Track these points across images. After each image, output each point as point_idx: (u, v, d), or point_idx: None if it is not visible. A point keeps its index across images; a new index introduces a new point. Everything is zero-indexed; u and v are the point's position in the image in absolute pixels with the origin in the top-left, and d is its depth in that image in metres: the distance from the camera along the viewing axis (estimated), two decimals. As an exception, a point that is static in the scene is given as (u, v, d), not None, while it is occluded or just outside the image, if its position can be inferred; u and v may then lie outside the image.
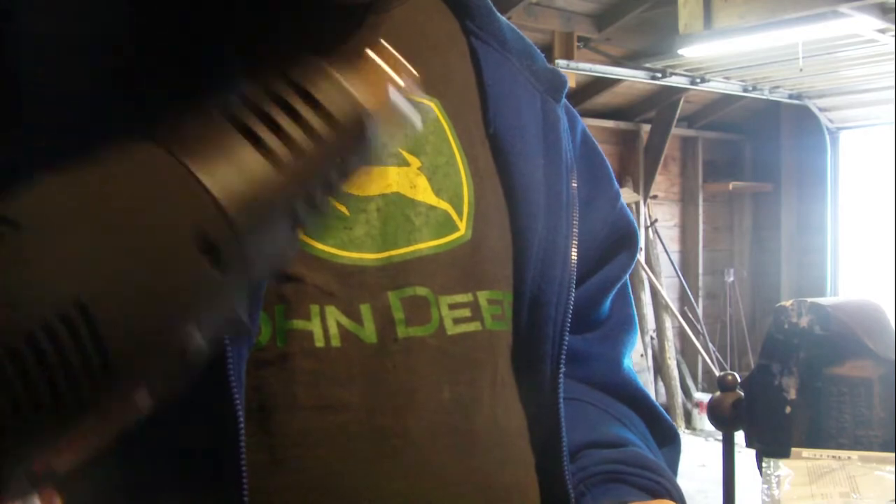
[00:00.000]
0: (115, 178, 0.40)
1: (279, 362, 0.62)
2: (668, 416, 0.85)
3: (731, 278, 7.21)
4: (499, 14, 0.80)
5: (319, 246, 0.64)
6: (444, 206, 0.69)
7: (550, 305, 0.72)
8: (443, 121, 0.72)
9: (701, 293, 7.10)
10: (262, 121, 0.42)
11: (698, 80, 5.77)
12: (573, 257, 0.74)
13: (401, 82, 0.47)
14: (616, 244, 0.85)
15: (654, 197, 6.80)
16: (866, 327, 1.58)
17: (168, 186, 0.38)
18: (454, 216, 0.70)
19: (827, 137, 7.02)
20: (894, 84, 4.98)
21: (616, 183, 0.87)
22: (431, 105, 0.72)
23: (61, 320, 0.34)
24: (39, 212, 0.38)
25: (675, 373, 6.61)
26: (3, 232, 0.36)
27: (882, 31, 4.44)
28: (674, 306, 6.69)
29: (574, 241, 0.75)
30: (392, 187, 0.68)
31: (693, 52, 4.99)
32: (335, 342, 0.63)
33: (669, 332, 6.66)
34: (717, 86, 5.99)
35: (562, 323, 0.73)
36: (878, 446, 1.45)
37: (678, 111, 6.40)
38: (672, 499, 0.72)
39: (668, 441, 0.84)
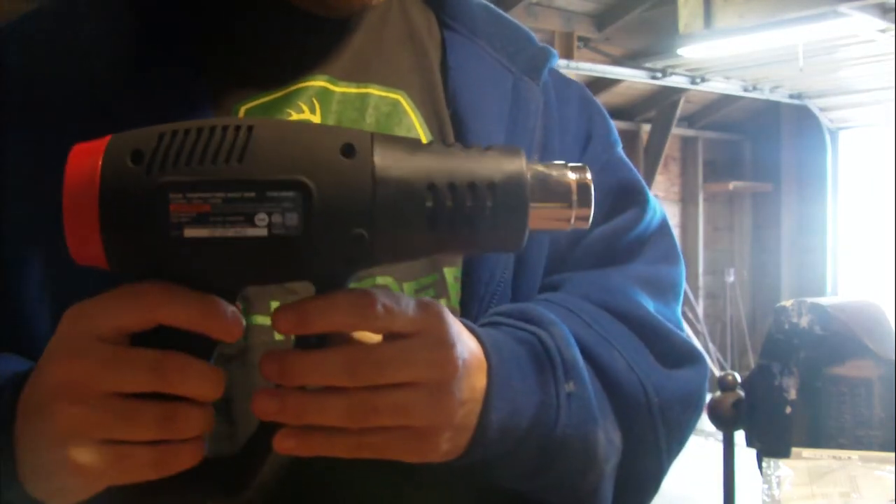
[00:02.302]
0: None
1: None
2: (684, 336, 0.75)
3: (731, 278, 7.22)
4: (471, 1, 0.81)
5: None
6: None
7: (480, 283, 0.71)
8: (409, 111, 0.73)
9: (701, 293, 7.10)
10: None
11: (698, 80, 5.77)
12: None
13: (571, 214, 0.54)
14: (617, 203, 0.80)
15: (655, 197, 6.80)
16: (866, 327, 1.58)
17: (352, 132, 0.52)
18: None
19: (827, 137, 7.03)
20: (894, 84, 4.99)
21: (619, 147, 0.83)
22: (397, 97, 0.73)
23: (234, 128, 0.51)
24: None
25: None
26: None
27: (882, 31, 4.44)
28: (674, 306, 6.69)
29: None
30: None
31: (693, 51, 4.99)
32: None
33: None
34: (717, 86, 5.99)
35: (488, 302, 0.70)
36: (878, 446, 1.45)
37: (678, 111, 6.40)
38: (543, 345, 0.63)
39: (683, 362, 0.73)
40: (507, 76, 0.78)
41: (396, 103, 0.73)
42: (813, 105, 6.71)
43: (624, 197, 0.80)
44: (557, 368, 0.62)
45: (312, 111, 0.69)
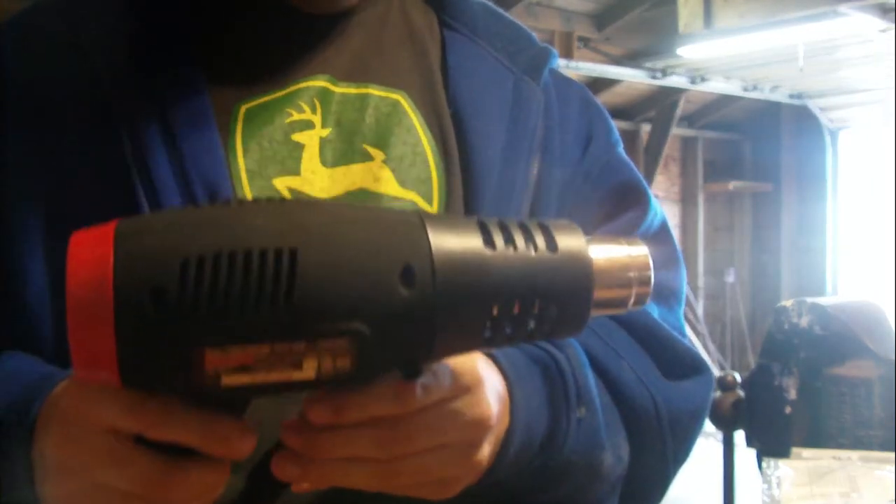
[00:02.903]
0: (369, 207, 0.51)
1: None
2: (690, 346, 0.76)
3: (731, 278, 7.21)
4: (471, 1, 0.80)
5: None
6: (411, 195, 0.70)
7: None
8: (409, 111, 0.73)
9: (701, 293, 7.10)
10: (499, 226, 0.48)
11: (698, 80, 5.77)
12: None
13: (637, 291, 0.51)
14: (619, 203, 0.80)
15: (655, 197, 6.80)
16: (866, 327, 1.58)
17: (403, 224, 0.46)
18: (423, 205, 0.70)
19: (827, 137, 7.02)
20: (894, 84, 4.99)
21: (620, 147, 0.84)
22: (397, 97, 0.72)
23: (274, 253, 0.43)
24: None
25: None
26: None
27: (882, 31, 4.44)
28: (674, 306, 6.69)
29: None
30: (356, 184, 0.68)
31: (693, 51, 4.99)
32: None
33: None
34: (717, 86, 5.99)
35: None
36: (878, 446, 1.45)
37: (678, 111, 6.40)
38: (559, 369, 0.63)
39: (690, 373, 0.74)
40: (507, 76, 0.77)
41: (396, 103, 0.72)
42: (813, 105, 6.71)
43: (625, 197, 0.80)
44: (570, 394, 0.61)
45: (313, 111, 0.69)
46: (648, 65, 5.46)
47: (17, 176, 0.65)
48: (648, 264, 0.52)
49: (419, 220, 0.46)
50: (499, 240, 0.47)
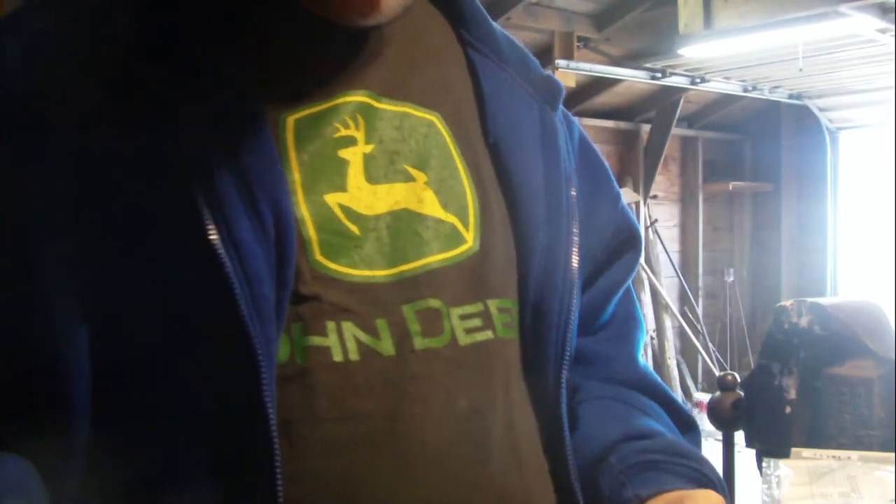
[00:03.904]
0: None
1: (299, 378, 0.63)
2: (685, 406, 0.87)
3: (731, 278, 7.21)
4: (493, 23, 0.80)
5: (331, 265, 0.65)
6: (451, 218, 0.71)
7: (553, 312, 0.74)
8: (444, 134, 0.73)
9: (701, 293, 7.10)
10: None
11: (698, 80, 5.77)
12: (574, 265, 0.75)
13: None
14: (619, 247, 0.86)
15: (654, 197, 6.80)
16: (866, 327, 1.58)
17: None
18: (461, 228, 0.71)
19: (827, 137, 7.02)
20: (894, 84, 4.98)
21: (616, 184, 0.89)
22: (433, 119, 0.73)
23: None
24: None
25: (675, 373, 6.61)
26: None
27: (882, 31, 4.44)
28: (674, 306, 6.69)
29: (574, 249, 0.76)
30: (400, 203, 0.69)
31: (693, 52, 4.99)
32: (353, 356, 0.64)
33: (669, 332, 6.65)
34: (717, 86, 5.99)
35: (564, 329, 0.74)
36: (878, 446, 1.45)
37: (678, 111, 6.40)
38: (714, 488, 0.71)
39: (688, 429, 0.85)
40: (533, 104, 0.79)
41: (432, 124, 0.73)
42: (813, 105, 6.71)
43: (622, 245, 0.86)
44: (724, 495, 0.71)
45: (357, 127, 0.69)
46: (648, 65, 5.45)
47: (66, 197, 0.62)
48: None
49: None
50: None
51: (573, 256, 0.75)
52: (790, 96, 6.53)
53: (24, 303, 0.61)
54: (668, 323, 6.64)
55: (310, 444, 0.63)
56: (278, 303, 0.62)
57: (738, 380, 1.82)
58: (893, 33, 4.38)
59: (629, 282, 0.88)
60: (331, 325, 0.64)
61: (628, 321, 0.88)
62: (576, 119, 0.88)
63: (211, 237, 0.60)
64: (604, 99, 6.21)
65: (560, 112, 0.82)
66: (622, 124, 6.59)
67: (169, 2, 0.67)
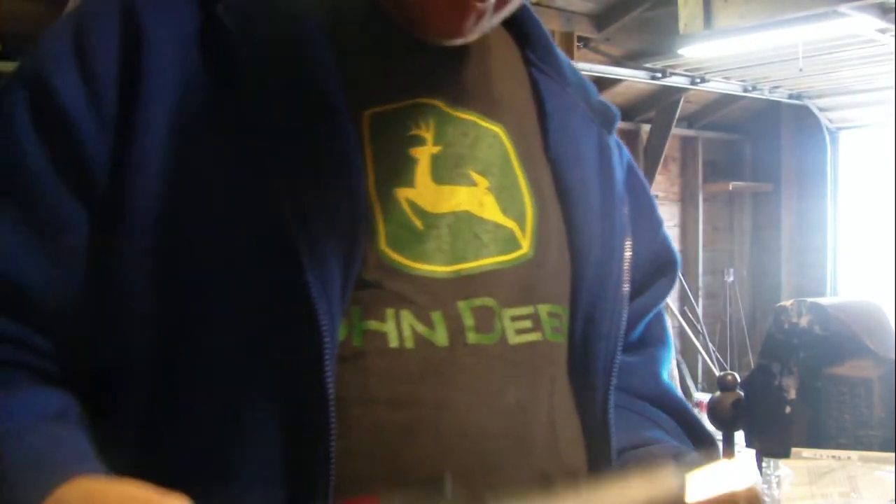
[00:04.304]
0: None
1: (354, 359, 0.66)
2: (704, 426, 0.89)
3: (731, 278, 7.21)
4: (557, 48, 0.85)
5: (395, 256, 0.69)
6: (510, 224, 0.74)
7: (604, 322, 0.77)
8: (508, 145, 0.77)
9: (701, 293, 7.09)
10: None
11: (698, 80, 5.77)
12: (626, 279, 0.79)
13: None
14: (656, 272, 0.89)
15: (655, 197, 6.79)
16: (866, 327, 1.58)
17: None
18: (518, 234, 0.74)
19: (827, 137, 7.02)
20: (894, 84, 4.98)
21: (658, 211, 0.92)
22: (497, 130, 0.76)
23: None
24: None
25: (675, 372, 6.61)
26: None
27: (882, 31, 4.44)
28: (674, 306, 6.68)
29: (626, 266, 0.80)
30: (462, 206, 0.73)
31: (693, 52, 4.99)
32: (409, 344, 0.67)
33: (669, 332, 6.65)
34: (717, 86, 5.99)
35: (614, 340, 0.78)
36: (878, 446, 1.45)
37: (678, 111, 6.40)
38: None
39: (705, 448, 0.87)
40: (592, 126, 0.83)
41: (496, 135, 0.76)
42: (813, 105, 6.71)
43: (659, 269, 0.90)
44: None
45: (427, 129, 0.73)
46: (648, 65, 5.45)
47: (151, 173, 0.65)
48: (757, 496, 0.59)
49: None
50: None
51: (625, 273, 0.79)
52: (790, 96, 6.53)
53: (102, 258, 0.64)
54: (668, 323, 6.64)
55: (360, 424, 0.65)
56: (344, 285, 0.65)
57: (738, 380, 1.82)
58: (893, 33, 4.38)
59: (661, 306, 0.91)
60: (390, 311, 0.67)
61: (656, 343, 0.92)
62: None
63: (287, 219, 0.63)
64: (604, 99, 6.20)
65: (614, 136, 0.86)
66: (622, 124, 6.59)
67: (274, 5, 0.70)
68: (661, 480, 0.59)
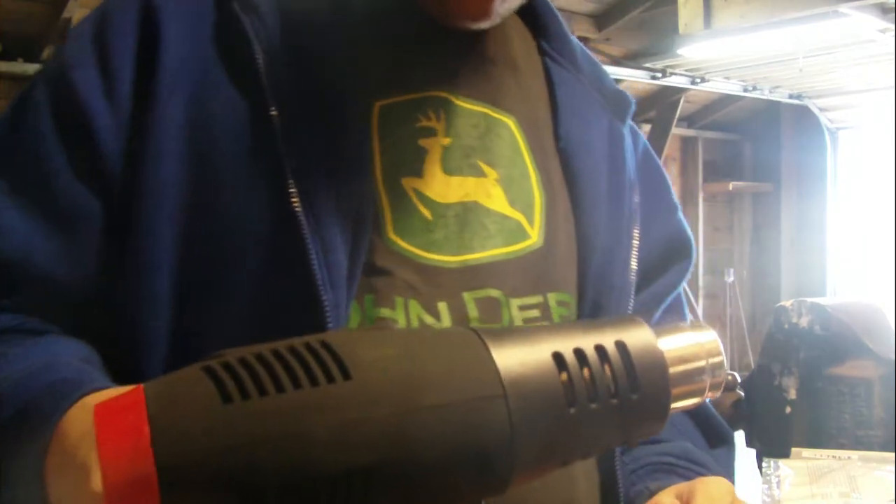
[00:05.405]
0: (428, 342, 0.44)
1: None
2: (722, 420, 0.88)
3: (731, 278, 7.21)
4: (572, 36, 0.85)
5: (403, 244, 0.69)
6: (518, 215, 0.74)
7: (610, 309, 0.77)
8: (518, 136, 0.77)
9: (701, 293, 7.10)
10: (583, 379, 0.45)
11: (698, 80, 5.77)
12: (633, 267, 0.79)
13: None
14: (672, 255, 0.89)
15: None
16: (866, 327, 1.58)
17: (483, 412, 0.42)
18: (526, 225, 0.75)
19: (827, 137, 7.02)
20: (894, 84, 4.98)
21: (674, 196, 0.92)
22: (508, 122, 0.77)
23: (345, 480, 0.38)
24: (365, 365, 0.41)
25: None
26: (336, 377, 0.39)
27: (882, 31, 4.44)
28: (674, 306, 6.68)
29: (634, 253, 0.80)
30: (470, 196, 0.73)
31: (693, 52, 4.99)
32: None
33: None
34: (717, 86, 5.99)
35: None
36: (878, 446, 1.45)
37: (678, 111, 6.40)
38: None
39: (721, 443, 0.87)
40: (604, 115, 0.84)
41: (507, 126, 0.77)
42: (813, 105, 6.71)
43: (675, 254, 0.89)
44: None
45: (438, 119, 0.73)
46: (648, 65, 5.45)
47: (161, 152, 0.66)
48: (719, 350, 0.54)
49: (502, 392, 0.43)
50: (581, 396, 0.45)
51: (632, 259, 0.79)
52: (790, 96, 6.53)
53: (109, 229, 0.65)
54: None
55: None
56: (351, 272, 0.66)
57: (738, 380, 1.82)
58: (893, 33, 4.37)
59: (679, 290, 0.90)
60: (399, 300, 0.68)
61: None
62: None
63: (294, 205, 0.64)
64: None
65: (628, 124, 0.86)
66: (622, 124, 6.59)
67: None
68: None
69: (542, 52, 0.82)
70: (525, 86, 0.80)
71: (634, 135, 0.88)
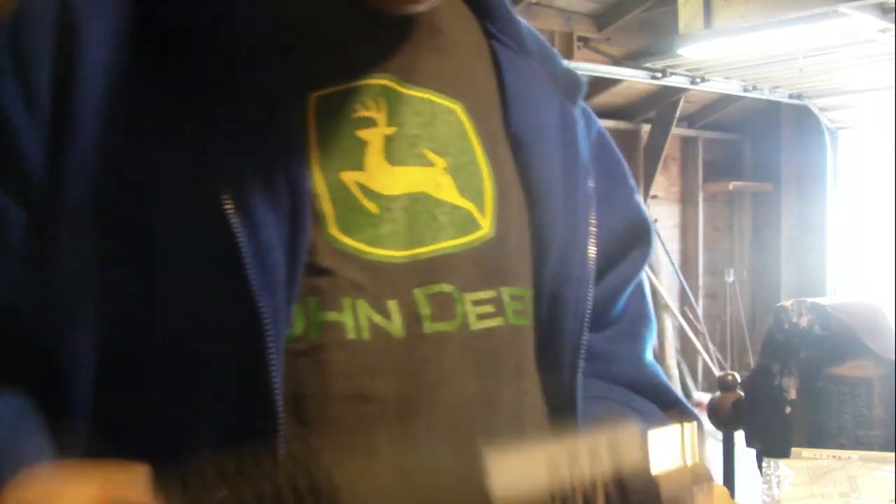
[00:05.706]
0: None
1: (313, 353, 0.64)
2: (690, 407, 0.86)
3: (731, 278, 7.21)
4: (517, 16, 0.81)
5: (347, 241, 0.66)
6: (468, 205, 0.71)
7: (569, 301, 0.74)
8: (466, 123, 0.74)
9: (701, 293, 7.10)
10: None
11: (698, 80, 5.77)
12: (591, 255, 0.76)
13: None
14: (631, 240, 0.86)
15: (654, 197, 6.80)
16: (866, 327, 1.58)
17: None
18: (477, 215, 0.72)
19: (827, 137, 7.02)
20: (894, 84, 4.99)
21: (631, 179, 0.89)
22: (455, 108, 0.74)
23: None
24: None
25: (675, 372, 6.61)
26: None
27: (882, 31, 4.44)
28: (674, 306, 6.68)
29: (592, 240, 0.77)
30: (418, 187, 0.70)
31: (693, 52, 4.99)
32: (365, 335, 0.65)
33: (669, 332, 6.65)
34: (717, 86, 5.99)
35: (581, 318, 0.75)
36: (878, 446, 1.45)
37: (678, 111, 6.40)
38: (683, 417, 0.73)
39: (671, 407, 0.84)
40: (554, 97, 0.80)
41: (453, 112, 0.74)
42: (813, 105, 6.71)
43: (634, 238, 0.86)
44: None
45: (378, 109, 0.70)
46: (648, 65, 5.45)
47: (102, 152, 0.63)
48: (709, 475, 0.58)
49: None
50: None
51: (590, 246, 0.76)
52: (790, 96, 6.53)
53: (38, 250, 0.62)
54: (668, 323, 6.64)
55: (321, 421, 0.63)
56: (291, 274, 0.63)
57: (738, 380, 1.82)
58: (893, 33, 4.38)
59: (639, 277, 0.88)
60: (346, 301, 0.65)
61: (638, 318, 0.89)
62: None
63: (225, 206, 0.61)
64: (604, 99, 6.20)
65: (580, 106, 0.83)
66: (622, 124, 6.59)
67: None
68: (625, 436, 0.58)
69: (488, 35, 0.79)
70: (471, 70, 0.76)
71: (587, 116, 0.85)
